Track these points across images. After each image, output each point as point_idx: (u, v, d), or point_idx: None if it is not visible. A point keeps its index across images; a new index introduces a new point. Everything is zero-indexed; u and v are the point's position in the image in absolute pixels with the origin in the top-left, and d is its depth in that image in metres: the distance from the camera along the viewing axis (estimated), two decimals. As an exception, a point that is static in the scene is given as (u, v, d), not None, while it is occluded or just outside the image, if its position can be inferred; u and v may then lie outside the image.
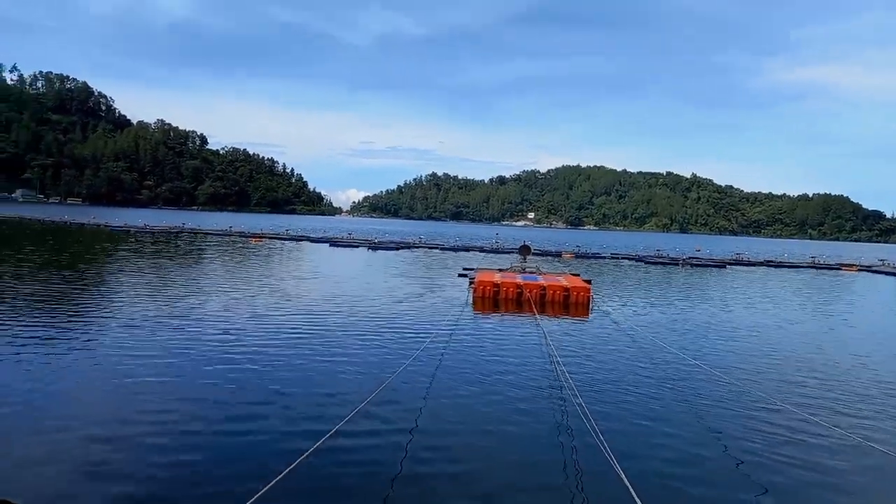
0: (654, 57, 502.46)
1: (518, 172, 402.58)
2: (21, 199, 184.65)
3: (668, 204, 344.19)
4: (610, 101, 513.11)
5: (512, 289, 23.28)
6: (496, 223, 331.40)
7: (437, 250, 57.02)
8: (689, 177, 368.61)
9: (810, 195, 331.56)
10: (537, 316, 19.18)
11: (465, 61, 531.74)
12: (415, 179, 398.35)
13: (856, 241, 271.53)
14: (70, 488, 6.37)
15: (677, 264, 52.18)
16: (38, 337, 12.82)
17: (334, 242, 58.58)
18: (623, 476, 6.08)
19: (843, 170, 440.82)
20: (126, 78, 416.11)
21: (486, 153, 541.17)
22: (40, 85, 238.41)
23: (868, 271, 56.54)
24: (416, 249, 56.60)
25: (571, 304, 22.59)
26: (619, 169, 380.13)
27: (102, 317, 15.46)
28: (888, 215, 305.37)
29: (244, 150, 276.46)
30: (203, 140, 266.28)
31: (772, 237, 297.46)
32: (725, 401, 10.87)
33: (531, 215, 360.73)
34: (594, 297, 23.73)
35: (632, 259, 56.51)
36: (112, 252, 35.56)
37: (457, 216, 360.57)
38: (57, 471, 6.72)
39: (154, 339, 13.25)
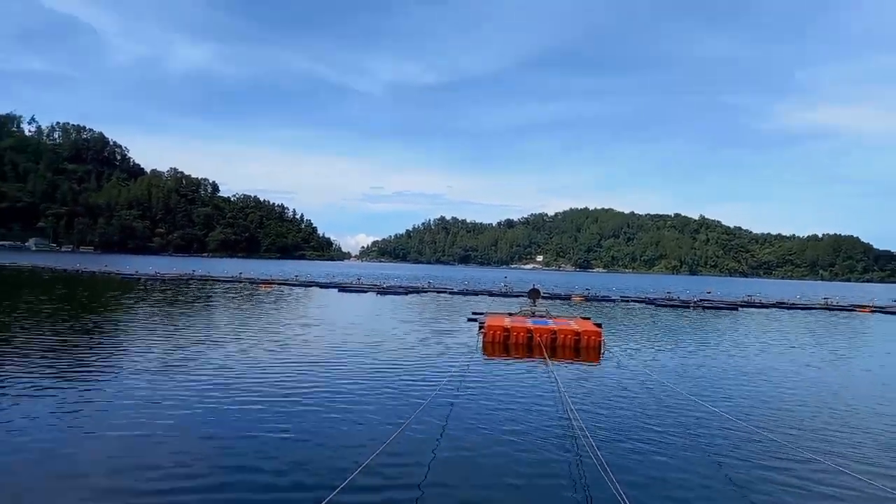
0: (661, 99, 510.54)
1: (526, 216, 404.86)
2: (34, 248, 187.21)
3: (676, 246, 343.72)
4: (618, 143, 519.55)
5: (522, 333, 23.14)
6: (505, 266, 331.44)
7: (445, 294, 56.95)
8: (696, 218, 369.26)
9: (820, 235, 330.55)
10: (548, 361, 19.01)
11: (474, 106, 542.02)
12: (423, 223, 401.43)
13: (868, 281, 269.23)
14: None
15: (688, 307, 51.77)
16: (43, 387, 12.85)
17: (343, 288, 58.66)
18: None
19: (853, 210, 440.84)
20: (141, 127, 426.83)
21: (495, 197, 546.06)
22: (57, 135, 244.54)
23: (882, 312, 55.79)
24: (424, 294, 56.55)
25: (582, 349, 22.38)
26: (626, 211, 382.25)
27: (110, 366, 15.47)
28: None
29: (255, 196, 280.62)
30: (215, 187, 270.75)
31: (782, 278, 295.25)
32: (740, 448, 10.65)
33: (540, 258, 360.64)
34: (605, 341, 23.52)
35: (642, 302, 56.12)
36: (122, 300, 35.78)
37: (465, 260, 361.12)
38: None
39: (161, 388, 13.22)
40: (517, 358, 20.28)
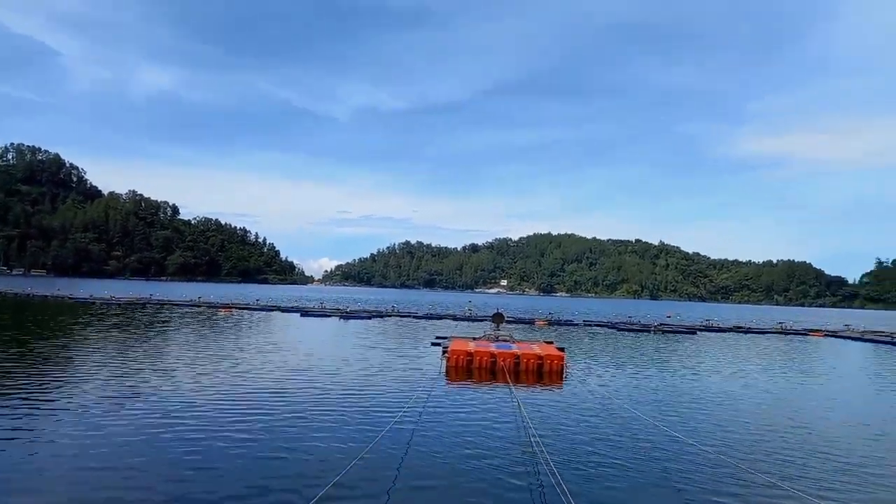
0: (622, 127, 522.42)
1: (491, 240, 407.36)
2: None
3: (637, 271, 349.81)
4: (580, 170, 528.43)
5: (486, 358, 23.11)
6: (469, 290, 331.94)
7: (409, 319, 56.62)
8: (657, 244, 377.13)
9: (775, 262, 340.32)
10: (511, 385, 18.98)
11: (440, 133, 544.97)
12: (388, 248, 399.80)
13: (820, 306, 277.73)
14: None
15: (649, 331, 52.54)
16: (-10, 416, 12.23)
17: (305, 312, 57.81)
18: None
19: (806, 237, 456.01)
20: (102, 150, 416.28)
21: (460, 222, 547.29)
22: (11, 156, 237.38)
23: (835, 336, 57.54)
24: (388, 318, 56.13)
25: (545, 373, 22.44)
26: (589, 236, 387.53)
27: (59, 396, 14.84)
28: (850, 281, 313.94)
29: (216, 219, 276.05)
30: (175, 210, 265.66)
31: (739, 303, 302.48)
32: (698, 472, 10.76)
33: (504, 282, 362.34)
34: (568, 365, 23.66)
35: (604, 326, 56.75)
36: (74, 325, 34.55)
37: (430, 284, 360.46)
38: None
39: (114, 417, 12.74)
40: (480, 382, 20.19)
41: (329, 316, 55.37)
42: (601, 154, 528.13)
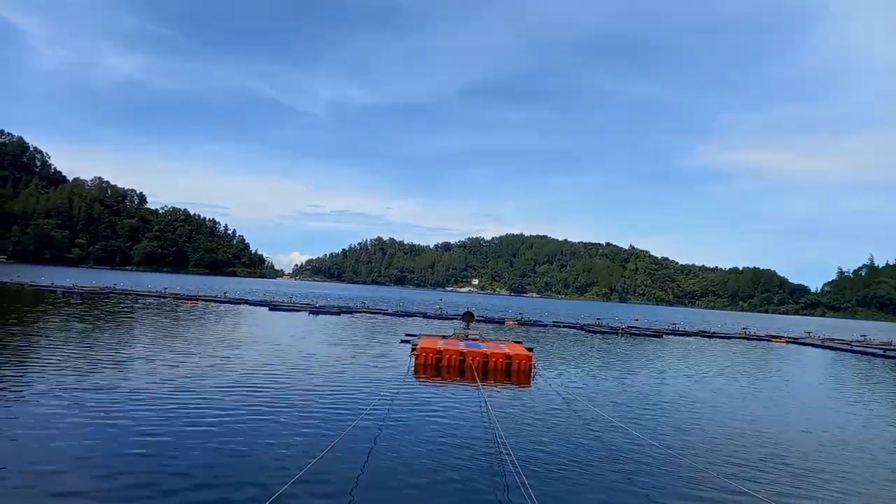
0: (595, 135, 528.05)
1: (464, 239, 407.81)
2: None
3: (607, 274, 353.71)
4: (553, 174, 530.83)
5: (455, 356, 23.10)
6: (441, 289, 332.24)
7: (380, 315, 56.37)
8: (627, 248, 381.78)
9: (741, 269, 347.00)
10: (479, 384, 18.99)
11: (416, 131, 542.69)
12: (360, 243, 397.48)
13: (784, 313, 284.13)
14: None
15: (617, 333, 53.15)
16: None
17: (274, 306, 57.14)
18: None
19: (771, 246, 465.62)
20: (67, 135, 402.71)
21: (434, 220, 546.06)
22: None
23: (796, 343, 58.95)
24: (358, 314, 55.80)
25: (513, 372, 22.53)
26: (560, 238, 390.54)
27: (14, 386, 14.39)
28: (812, 290, 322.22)
29: (184, 209, 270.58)
30: (142, 199, 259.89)
31: (705, 308, 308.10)
32: (660, 473, 10.92)
33: (475, 282, 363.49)
34: (536, 365, 23.78)
35: (573, 327, 57.26)
36: (33, 314, 33.58)
37: (401, 281, 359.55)
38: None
39: (73, 410, 12.39)
40: (449, 380, 20.18)
41: (298, 311, 54.82)
42: (573, 160, 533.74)
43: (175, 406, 13.20)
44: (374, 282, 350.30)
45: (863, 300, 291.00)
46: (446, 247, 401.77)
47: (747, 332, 64.05)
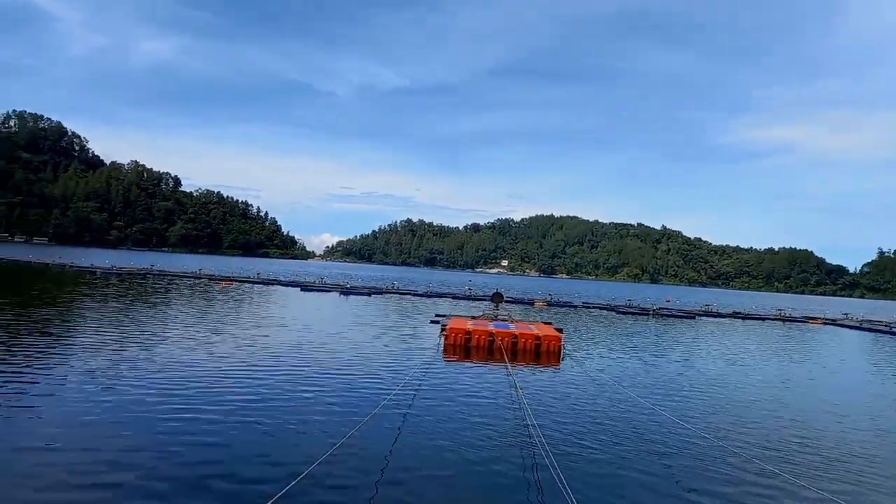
0: (626, 112, 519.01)
1: (493, 220, 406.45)
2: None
3: (639, 254, 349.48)
4: (584, 153, 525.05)
5: (484, 337, 23.15)
6: (470, 270, 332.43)
7: (409, 296, 56.74)
8: (659, 228, 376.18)
9: (776, 249, 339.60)
10: (508, 364, 19.03)
11: (444, 112, 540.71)
12: (389, 225, 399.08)
13: (821, 294, 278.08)
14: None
15: (647, 314, 52.61)
16: (-13, 381, 12.28)
17: (305, 287, 57.96)
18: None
19: (808, 225, 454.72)
20: (102, 119, 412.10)
21: (463, 201, 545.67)
22: (13, 123, 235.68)
23: (833, 324, 57.63)
24: (388, 295, 56.26)
25: (543, 353, 22.50)
26: (591, 219, 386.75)
27: (59, 364, 14.89)
28: (851, 270, 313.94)
29: (218, 192, 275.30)
30: (177, 182, 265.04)
31: (740, 289, 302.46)
32: (691, 454, 10.81)
33: (505, 263, 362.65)
34: (565, 346, 23.71)
35: (603, 308, 56.85)
36: (74, 294, 34.64)
37: (431, 262, 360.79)
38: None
39: (113, 387, 12.79)
40: (478, 361, 20.25)
41: (329, 291, 55.51)
42: (605, 138, 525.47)
43: (205, 385, 13.52)
44: (404, 263, 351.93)
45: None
46: (475, 228, 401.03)
47: (783, 314, 62.76)
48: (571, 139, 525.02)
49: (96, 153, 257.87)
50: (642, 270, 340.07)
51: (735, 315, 59.58)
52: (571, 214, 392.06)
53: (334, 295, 51.76)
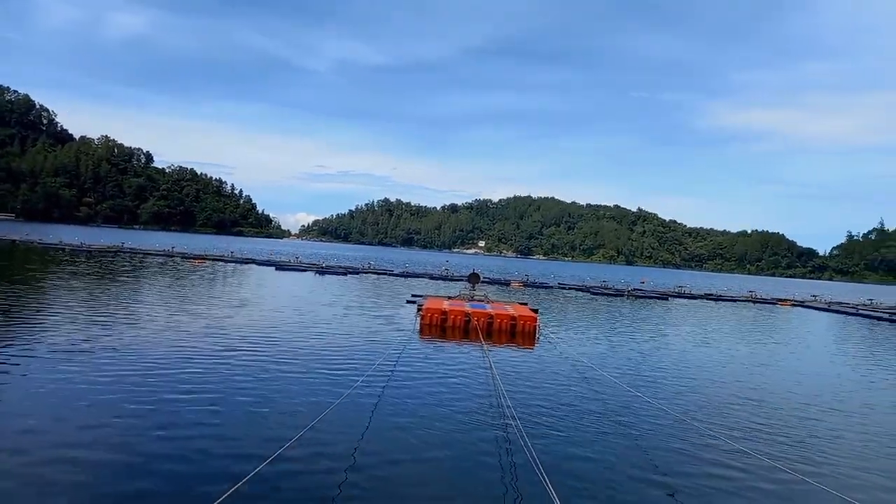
0: (605, 94, 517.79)
1: (471, 201, 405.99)
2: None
3: (614, 236, 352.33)
4: (562, 135, 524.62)
5: (460, 316, 23.15)
6: (447, 250, 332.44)
7: (386, 276, 56.57)
8: (634, 210, 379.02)
9: (749, 232, 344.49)
10: (484, 344, 19.06)
11: (423, 91, 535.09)
12: (366, 204, 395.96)
13: (791, 276, 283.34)
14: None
15: (622, 295, 53.18)
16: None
17: (281, 266, 57.41)
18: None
19: (780, 209, 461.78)
20: (74, 92, 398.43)
21: (441, 182, 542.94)
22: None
23: (802, 306, 58.88)
24: (364, 275, 56.02)
25: (518, 333, 22.59)
26: (568, 201, 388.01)
27: (26, 343, 14.50)
28: (820, 253, 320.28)
29: (191, 169, 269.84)
30: (149, 158, 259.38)
31: (713, 271, 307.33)
32: (663, 433, 10.93)
33: (482, 243, 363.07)
34: (541, 326, 23.82)
35: (578, 289, 57.32)
36: (42, 271, 33.81)
37: (408, 242, 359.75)
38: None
39: (83, 366, 12.50)
40: (454, 341, 20.25)
41: (304, 271, 55.07)
42: (584, 121, 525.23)
43: (174, 366, 13.27)
44: (381, 243, 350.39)
45: (871, 264, 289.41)
46: (453, 208, 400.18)
47: (754, 296, 63.96)
48: (552, 121, 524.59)
49: (65, 127, 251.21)
50: (618, 252, 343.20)
51: (707, 297, 60.55)
52: (549, 196, 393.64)
53: (310, 274, 51.36)
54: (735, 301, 58.90)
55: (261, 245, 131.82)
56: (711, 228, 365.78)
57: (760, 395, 15.20)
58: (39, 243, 61.33)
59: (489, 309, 24.60)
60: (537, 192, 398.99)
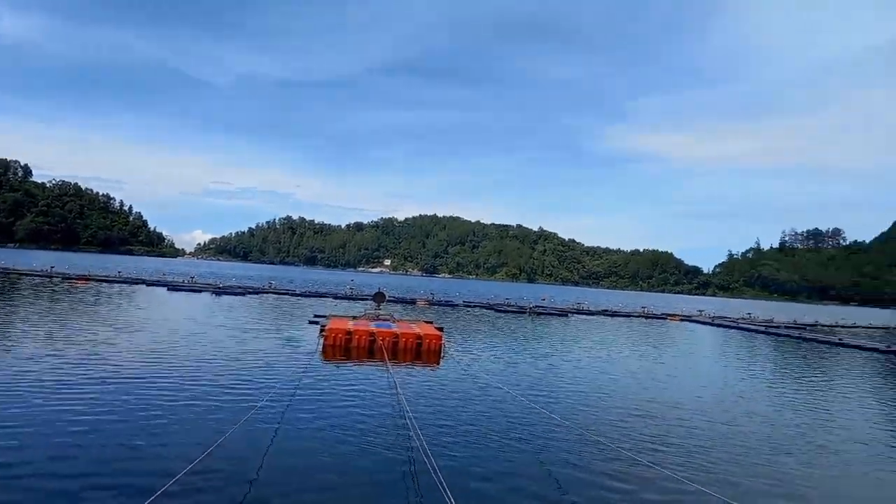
0: (510, 115, 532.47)
1: (376, 219, 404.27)
2: None
3: (517, 255, 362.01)
4: (466, 155, 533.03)
5: (364, 336, 22.75)
6: (352, 269, 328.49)
7: (287, 296, 54.90)
8: (536, 230, 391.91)
9: (641, 251, 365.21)
10: (389, 364, 18.79)
11: (329, 107, 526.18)
12: (268, 222, 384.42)
13: (678, 293, 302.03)
14: None
15: (525, 313, 54.47)
16: None
17: (173, 286, 54.32)
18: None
19: (670, 229, 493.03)
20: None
21: (346, 200, 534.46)
22: None
23: (689, 321, 62.72)
24: (265, 295, 54.09)
25: (424, 352, 22.48)
26: (473, 220, 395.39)
27: None
28: (705, 271, 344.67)
29: (75, 184, 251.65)
30: (27, 171, 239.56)
31: (609, 288, 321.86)
32: (563, 445, 11.23)
33: (388, 262, 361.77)
34: (446, 344, 23.86)
35: (483, 307, 58.16)
36: None
37: (311, 261, 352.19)
38: None
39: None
40: (358, 361, 19.85)
41: (200, 291, 52.40)
42: (488, 140, 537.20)
43: (53, 398, 12.12)
44: (283, 262, 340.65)
45: (749, 280, 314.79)
46: (359, 227, 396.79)
47: (646, 311, 67.47)
48: (456, 140, 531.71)
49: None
50: (520, 270, 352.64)
51: (604, 312, 63.23)
52: (454, 215, 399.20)
53: (206, 295, 48.91)
54: (629, 316, 61.89)
55: (152, 264, 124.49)
56: (607, 247, 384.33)
57: (654, 408, 15.93)
58: None
59: (395, 328, 24.37)
60: (442, 211, 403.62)
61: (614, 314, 62.58)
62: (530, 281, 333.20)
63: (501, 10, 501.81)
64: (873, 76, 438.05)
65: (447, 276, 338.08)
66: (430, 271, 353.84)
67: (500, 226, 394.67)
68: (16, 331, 20.66)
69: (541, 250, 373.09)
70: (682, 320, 62.74)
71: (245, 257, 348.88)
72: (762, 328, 54.60)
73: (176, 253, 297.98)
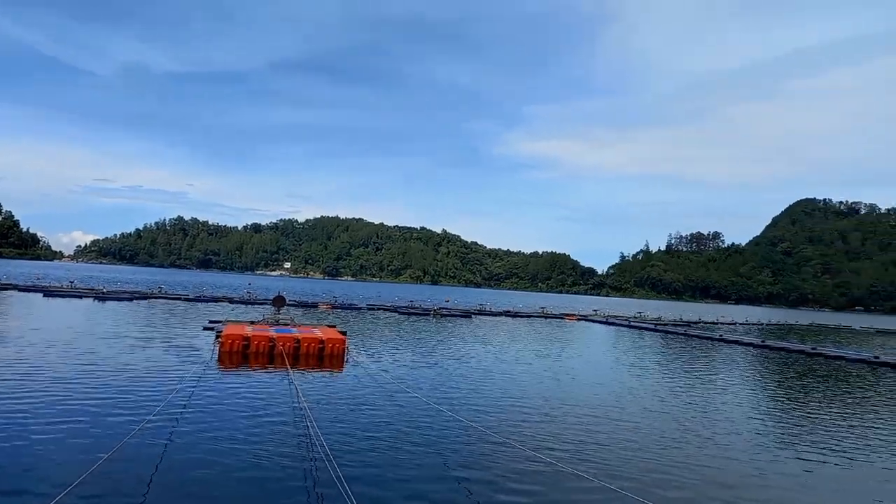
0: (411, 117, 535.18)
1: (275, 221, 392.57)
2: None
3: (421, 257, 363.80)
4: (369, 156, 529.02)
5: (263, 342, 21.95)
6: (250, 272, 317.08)
7: (179, 301, 52.04)
8: (440, 232, 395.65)
9: (540, 252, 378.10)
10: (290, 370, 18.21)
11: (223, 103, 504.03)
12: (157, 223, 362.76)
13: (575, 293, 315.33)
14: None
15: (429, 315, 54.74)
16: None
17: (50, 292, 50.05)
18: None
19: (565, 231, 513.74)
20: None
21: (243, 200, 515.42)
22: None
23: (585, 320, 65.55)
24: (154, 300, 51.01)
25: (326, 357, 22.01)
26: (376, 222, 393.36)
27: None
28: (599, 272, 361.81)
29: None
30: None
31: (510, 289, 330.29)
32: (467, 446, 11.40)
33: (287, 265, 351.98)
34: (349, 348, 23.49)
35: (387, 310, 57.87)
36: None
37: (205, 264, 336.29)
38: None
39: None
40: (257, 368, 19.10)
41: (81, 297, 48.62)
42: (389, 142, 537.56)
43: None
44: (174, 265, 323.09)
45: (639, 281, 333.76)
46: (256, 228, 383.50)
47: (545, 311, 69.90)
48: (357, 141, 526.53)
49: None
50: (424, 272, 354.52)
51: (506, 313, 64.81)
52: (357, 217, 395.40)
53: (88, 301, 45.42)
54: (530, 317, 63.81)
55: (25, 268, 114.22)
56: (508, 250, 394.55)
57: (554, 406, 16.46)
58: None
59: (296, 333, 23.69)
60: (344, 213, 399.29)
61: (515, 315, 64.29)
62: (434, 283, 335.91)
63: (401, 10, 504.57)
64: (748, 90, 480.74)
65: (350, 278, 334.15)
66: (333, 274, 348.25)
67: (403, 228, 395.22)
68: None
69: (444, 252, 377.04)
70: (578, 319, 65.43)
71: (131, 260, 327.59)
72: (651, 326, 58.26)
73: (53, 256, 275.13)
